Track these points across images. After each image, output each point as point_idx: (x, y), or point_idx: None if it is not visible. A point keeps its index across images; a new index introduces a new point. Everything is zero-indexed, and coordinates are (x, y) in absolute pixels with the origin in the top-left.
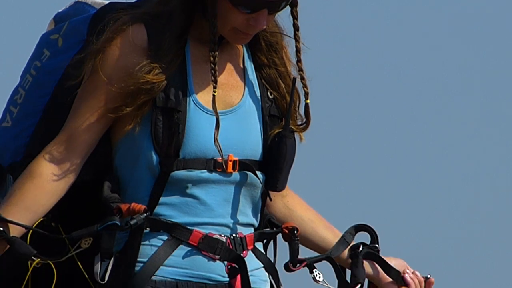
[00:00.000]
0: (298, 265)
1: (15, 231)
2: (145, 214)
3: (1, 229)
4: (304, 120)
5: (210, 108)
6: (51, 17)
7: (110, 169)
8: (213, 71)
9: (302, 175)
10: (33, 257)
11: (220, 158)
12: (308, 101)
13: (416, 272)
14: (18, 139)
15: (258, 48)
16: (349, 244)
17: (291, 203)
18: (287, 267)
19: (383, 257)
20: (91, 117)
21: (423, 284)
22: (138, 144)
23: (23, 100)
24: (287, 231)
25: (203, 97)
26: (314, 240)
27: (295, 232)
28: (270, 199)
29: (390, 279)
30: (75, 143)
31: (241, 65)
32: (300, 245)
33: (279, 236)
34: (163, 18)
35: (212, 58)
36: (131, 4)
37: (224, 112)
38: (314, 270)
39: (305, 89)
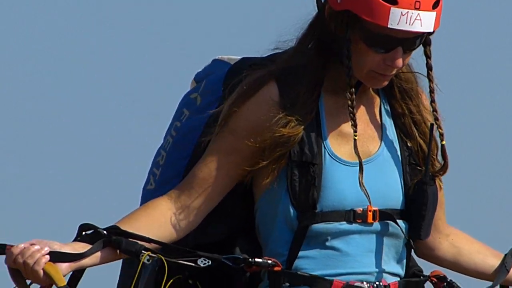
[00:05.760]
0: None
1: None
2: (270, 261)
3: (105, 232)
4: (442, 163)
5: (346, 159)
6: (192, 77)
7: (244, 229)
8: (351, 115)
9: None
10: (142, 251)
11: (360, 209)
12: (444, 143)
13: None
14: None
15: (393, 95)
16: (509, 271)
17: (456, 241)
18: None
19: None
20: (218, 170)
21: None
22: (276, 199)
23: (165, 162)
24: (435, 280)
25: (339, 149)
26: (485, 271)
27: (446, 278)
28: (413, 248)
29: None
30: (195, 188)
31: (378, 115)
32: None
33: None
34: (298, 71)
35: (350, 102)
36: (265, 59)
37: (362, 163)
38: None
39: (440, 130)
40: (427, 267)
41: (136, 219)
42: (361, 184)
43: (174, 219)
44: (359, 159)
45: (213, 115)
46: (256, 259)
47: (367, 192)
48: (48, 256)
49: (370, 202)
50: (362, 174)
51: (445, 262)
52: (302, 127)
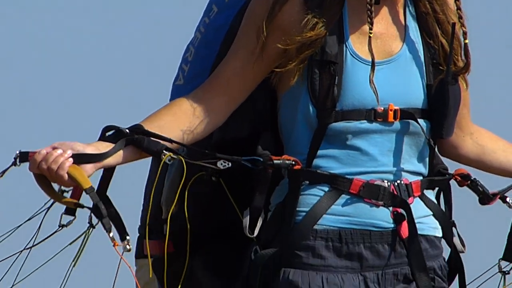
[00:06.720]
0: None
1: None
2: (290, 161)
3: (127, 131)
4: (465, 62)
5: (368, 58)
6: None
7: (266, 127)
8: (369, 12)
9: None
10: (164, 151)
11: (380, 108)
12: (467, 41)
13: None
14: None
15: None
16: None
17: (480, 139)
18: (483, 203)
19: None
20: (242, 69)
21: None
22: (297, 98)
23: (193, 58)
24: (459, 178)
25: (360, 48)
26: (509, 168)
27: (470, 176)
28: (434, 147)
29: None
30: (219, 87)
31: (402, 15)
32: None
33: (455, 187)
34: None
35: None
36: None
37: (384, 62)
38: (507, 200)
39: (463, 29)
40: (453, 166)
41: (161, 118)
42: (371, 81)
43: (197, 118)
44: (371, 57)
45: (240, 12)
46: (275, 161)
47: (376, 90)
48: (71, 159)
49: (378, 102)
50: (373, 72)
51: (469, 161)
52: (328, 28)
